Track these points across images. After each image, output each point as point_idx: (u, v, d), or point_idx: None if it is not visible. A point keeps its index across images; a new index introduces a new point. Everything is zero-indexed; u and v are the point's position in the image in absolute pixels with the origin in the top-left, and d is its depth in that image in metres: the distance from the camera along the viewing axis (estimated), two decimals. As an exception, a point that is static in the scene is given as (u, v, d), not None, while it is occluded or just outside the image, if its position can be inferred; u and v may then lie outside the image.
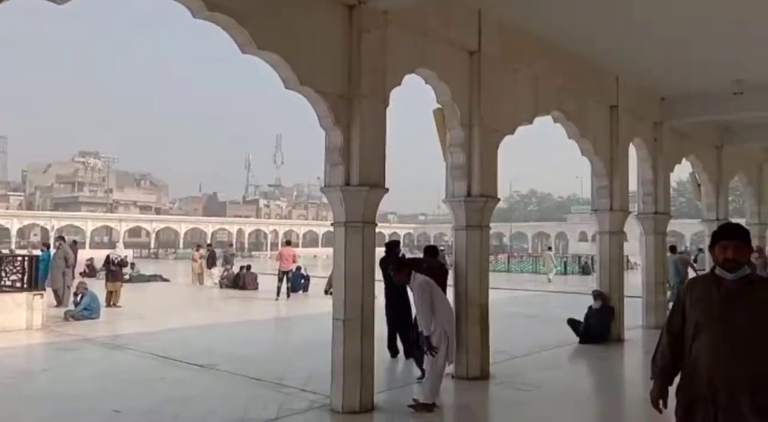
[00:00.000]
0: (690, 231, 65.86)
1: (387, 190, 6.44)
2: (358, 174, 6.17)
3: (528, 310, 15.95)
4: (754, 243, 19.05)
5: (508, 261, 37.10)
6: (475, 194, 7.65)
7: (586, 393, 7.73)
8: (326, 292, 17.06)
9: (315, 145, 6.57)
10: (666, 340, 3.35)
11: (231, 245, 39.08)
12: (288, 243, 20.00)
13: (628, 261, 31.06)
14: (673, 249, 17.34)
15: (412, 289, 6.50)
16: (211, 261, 23.89)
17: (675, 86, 11.48)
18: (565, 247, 79.62)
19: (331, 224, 6.49)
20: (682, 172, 16.13)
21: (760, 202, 18.57)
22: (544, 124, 9.93)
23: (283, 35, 5.76)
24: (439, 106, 7.75)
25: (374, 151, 6.34)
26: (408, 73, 6.88)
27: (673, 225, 69.84)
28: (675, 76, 10.87)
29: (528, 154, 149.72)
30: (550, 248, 39.14)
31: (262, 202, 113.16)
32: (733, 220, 17.42)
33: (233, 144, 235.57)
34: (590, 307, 10.78)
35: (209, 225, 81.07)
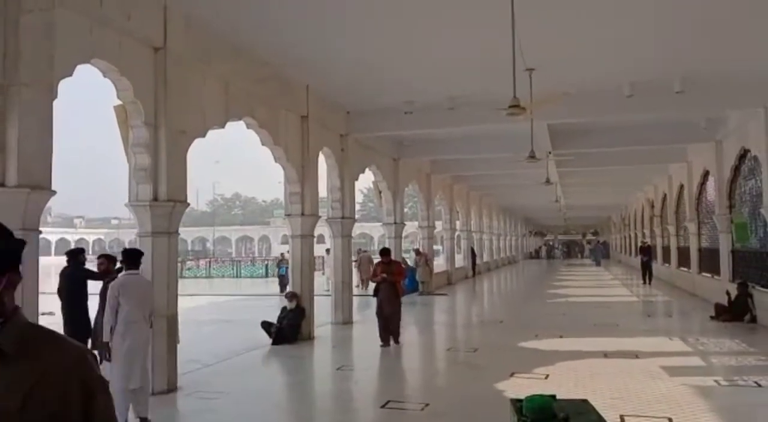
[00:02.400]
0: (377, 233, 72.87)
1: (54, 192, 5.72)
2: (17, 173, 5.36)
3: (225, 316, 15.81)
4: (423, 243, 21.95)
5: (210, 267, 36.41)
6: (162, 198, 7.27)
7: (276, 392, 7.92)
8: None
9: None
10: None
11: None
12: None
13: (323, 261, 33.16)
14: (363, 250, 20.52)
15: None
16: None
17: (358, 101, 12.57)
18: (268, 250, 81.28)
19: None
20: (369, 179, 17.77)
21: (428, 208, 21.44)
22: (246, 128, 9.98)
23: None
24: (121, 102, 7.18)
25: (38, 147, 5.58)
26: (82, 64, 6.21)
27: (363, 228, 75.91)
28: (359, 92, 11.90)
29: (232, 158, 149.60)
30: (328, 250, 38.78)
31: None
32: (409, 223, 19.68)
33: None
34: (284, 308, 11.14)
35: None
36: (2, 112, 5.38)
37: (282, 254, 27.06)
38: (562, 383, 7.24)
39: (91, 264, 8.40)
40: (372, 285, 11.32)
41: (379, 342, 10.28)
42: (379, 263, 10.69)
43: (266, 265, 35.50)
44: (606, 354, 9.25)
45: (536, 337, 10.89)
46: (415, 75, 10.67)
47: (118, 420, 4.94)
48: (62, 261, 8.49)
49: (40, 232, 5.79)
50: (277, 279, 23.60)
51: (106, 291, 7.00)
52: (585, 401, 3.84)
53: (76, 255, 8.35)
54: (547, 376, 7.80)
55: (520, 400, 3.72)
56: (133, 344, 5.96)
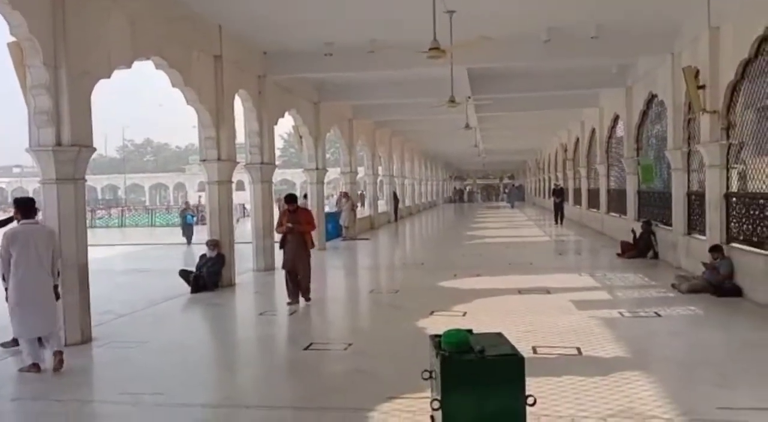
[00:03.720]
0: (299, 179, 72.10)
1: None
2: None
3: (140, 265, 15.38)
4: (345, 188, 21.96)
5: (122, 216, 35.07)
6: (66, 143, 6.84)
7: (196, 340, 7.83)
8: None
9: None
10: None
11: None
12: None
13: (245, 209, 32.64)
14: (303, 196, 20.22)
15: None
16: None
17: (276, 42, 12.12)
18: (184, 198, 78.91)
19: None
20: (289, 124, 17.42)
21: (350, 153, 21.34)
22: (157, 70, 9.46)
23: None
24: (15, 39, 6.61)
25: None
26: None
27: (285, 174, 74.99)
28: (276, 31, 11.45)
29: (142, 101, 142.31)
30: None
31: None
32: (332, 169, 19.57)
33: None
34: (202, 256, 10.92)
35: None
36: None
37: (186, 202, 25.96)
38: (479, 319, 7.54)
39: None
40: None
41: (286, 299, 9.17)
42: (284, 212, 9.38)
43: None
44: (520, 291, 9.69)
45: (455, 277, 11.25)
46: (335, 15, 10.37)
47: (27, 362, 4.91)
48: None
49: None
50: (180, 230, 21.71)
51: None
52: (499, 334, 4.02)
53: None
54: (465, 313, 8.11)
55: (438, 336, 3.84)
56: (30, 293, 5.92)
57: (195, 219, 22.21)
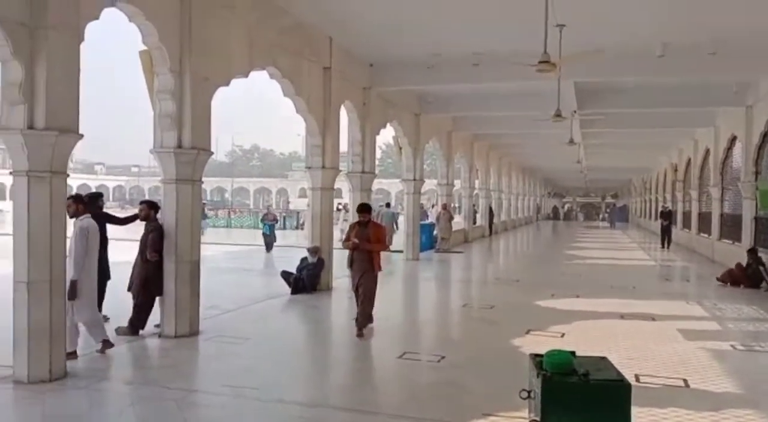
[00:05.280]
0: (395, 189, 72.80)
1: (81, 135, 5.76)
2: (45, 116, 5.41)
3: (245, 265, 16.06)
4: (442, 200, 21.94)
5: (229, 217, 36.78)
6: (187, 146, 7.32)
7: (294, 339, 8.10)
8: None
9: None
10: None
11: None
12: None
13: (346, 211, 33.36)
14: (388, 205, 21.41)
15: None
16: None
17: (383, 54, 12.38)
18: (285, 203, 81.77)
19: (10, 173, 5.61)
20: (389, 134, 17.68)
21: (448, 165, 21.33)
22: (269, 80, 9.92)
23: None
24: (146, 48, 7.15)
25: (65, 91, 5.60)
26: (108, 7, 6.17)
27: (381, 184, 76.20)
28: (383, 44, 11.71)
29: (252, 110, 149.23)
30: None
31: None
32: (428, 180, 19.71)
33: None
34: (303, 259, 11.27)
35: None
36: (30, 54, 5.38)
37: (268, 207, 25.87)
38: (578, 341, 7.29)
39: (110, 211, 8.49)
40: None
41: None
42: (353, 224, 8.13)
43: (284, 217, 35.77)
44: (622, 316, 9.28)
45: (552, 297, 10.94)
46: (441, 28, 10.45)
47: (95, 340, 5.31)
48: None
49: (68, 175, 5.87)
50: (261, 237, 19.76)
51: (147, 236, 7.26)
52: (604, 358, 3.88)
53: (95, 200, 8.41)
54: (563, 334, 7.87)
55: (539, 355, 3.77)
56: (95, 282, 6.54)
57: (273, 228, 19.88)
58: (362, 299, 7.80)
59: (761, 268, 12.38)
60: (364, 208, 8.02)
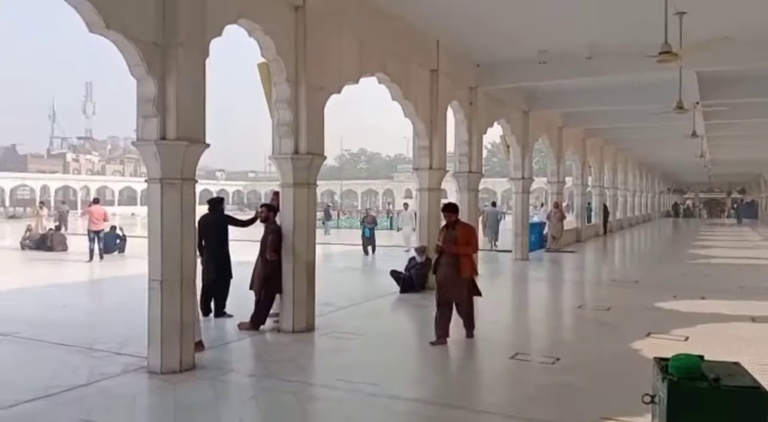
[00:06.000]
0: (501, 188, 71.53)
1: (207, 145, 6.19)
2: (176, 127, 5.85)
3: (355, 264, 16.46)
4: (552, 198, 21.33)
5: (338, 218, 37.81)
6: (302, 152, 7.65)
7: (406, 336, 8.23)
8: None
9: (132, 94, 6.08)
10: None
11: (63, 202, 37.11)
12: (96, 201, 18.11)
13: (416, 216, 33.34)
14: (494, 204, 22.45)
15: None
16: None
17: (489, 53, 12.25)
18: (392, 204, 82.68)
19: (145, 180, 6.12)
20: (494, 134, 17.43)
21: (558, 163, 20.72)
22: (375, 85, 10.14)
23: (83, -29, 5.20)
24: (264, 60, 7.55)
25: (193, 104, 6.04)
26: (230, 24, 6.59)
27: (486, 183, 75.64)
28: (490, 43, 11.59)
29: (358, 114, 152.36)
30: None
31: (70, 156, 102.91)
32: (536, 179, 19.16)
33: (36, 93, 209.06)
34: (411, 259, 11.42)
35: (7, 181, 70.68)
36: (162, 71, 5.85)
37: (367, 210, 25.48)
38: (704, 346, 6.83)
39: (230, 213, 9.05)
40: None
41: (432, 338, 7.23)
42: (443, 227, 7.43)
43: (391, 218, 36.22)
44: (754, 319, 8.63)
45: (674, 298, 10.36)
46: (550, 22, 10.18)
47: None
48: (205, 209, 9.13)
49: (196, 182, 6.32)
50: (361, 239, 18.97)
51: (266, 237, 7.78)
52: (737, 363, 3.65)
53: (218, 204, 9.01)
54: (687, 338, 7.44)
55: (665, 359, 3.61)
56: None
57: (372, 231, 19.01)
58: (460, 305, 7.31)
59: None
60: (449, 208, 7.34)
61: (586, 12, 9.59)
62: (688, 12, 8.42)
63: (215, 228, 8.59)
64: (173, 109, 5.86)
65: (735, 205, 57.12)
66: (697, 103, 14.32)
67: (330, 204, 48.21)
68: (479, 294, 7.46)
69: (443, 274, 7.16)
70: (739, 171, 46.10)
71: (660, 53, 7.02)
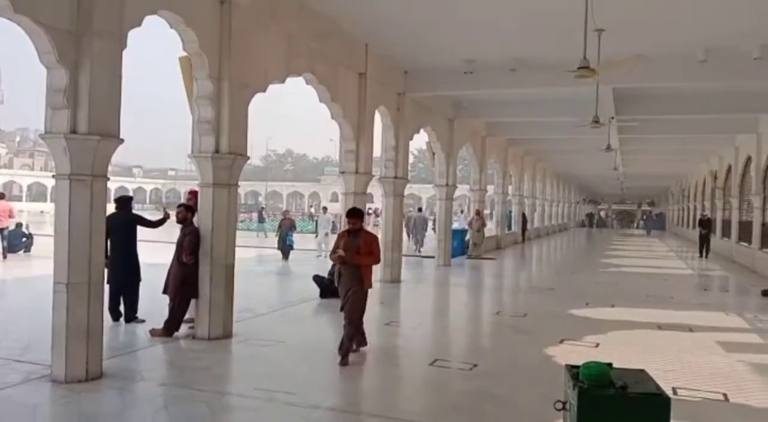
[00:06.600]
0: (426, 194, 72.63)
1: (122, 140, 5.89)
2: (88, 121, 5.53)
3: (275, 268, 16.19)
4: (474, 205, 21.77)
5: (253, 221, 37.07)
6: (224, 151, 7.41)
7: (326, 343, 8.06)
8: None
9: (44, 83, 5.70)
10: None
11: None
12: (1, 196, 17.03)
13: (377, 216, 33.42)
14: (419, 210, 22.72)
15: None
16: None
17: (418, 60, 12.38)
18: (318, 207, 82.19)
19: (53, 176, 5.76)
20: (421, 140, 17.64)
21: (481, 171, 21.19)
22: (302, 84, 10.01)
23: (-11, -50, 4.84)
24: (186, 54, 7.28)
25: (108, 97, 5.73)
26: (150, 14, 6.29)
27: (412, 189, 76.34)
28: (418, 50, 11.70)
29: (285, 115, 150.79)
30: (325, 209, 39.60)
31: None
32: (460, 186, 19.49)
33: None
34: (334, 264, 11.30)
35: None
36: (75, 61, 5.52)
37: (285, 212, 24.05)
38: (613, 352, 7.15)
39: (146, 213, 8.72)
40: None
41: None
42: (342, 233, 6.97)
43: (316, 221, 35.89)
44: (659, 326, 9.08)
45: (587, 305, 10.77)
46: (477, 34, 10.40)
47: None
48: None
49: (108, 179, 6.00)
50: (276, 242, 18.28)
51: (183, 239, 7.40)
52: (642, 371, 3.80)
53: (127, 202, 8.58)
54: (597, 345, 7.73)
55: (575, 366, 3.70)
56: None
57: (290, 235, 18.27)
58: (347, 321, 6.74)
59: None
60: (354, 214, 6.79)
61: (511, 26, 9.84)
62: (606, 30, 8.78)
63: (123, 227, 8.14)
64: (85, 100, 5.54)
65: (644, 217, 60.37)
66: (612, 117, 15.02)
67: (264, 206, 47.50)
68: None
69: (345, 285, 6.72)
70: (650, 184, 48.81)
71: (578, 68, 7.28)
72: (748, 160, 19.74)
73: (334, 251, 6.75)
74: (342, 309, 6.81)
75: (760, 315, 10.46)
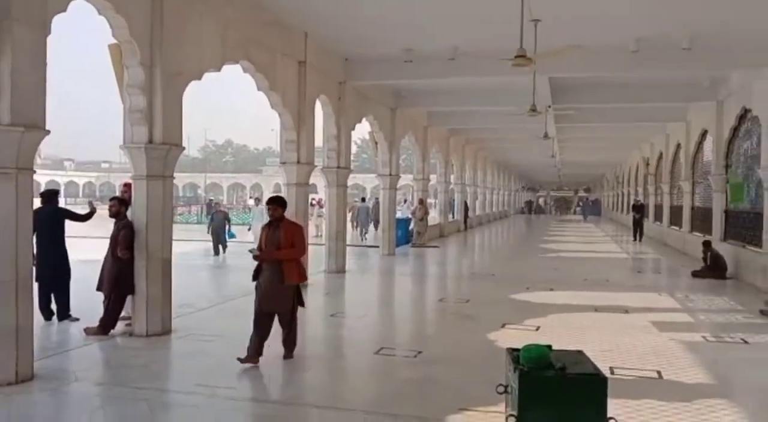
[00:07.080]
0: (370, 184, 72.68)
1: (48, 131, 5.60)
2: (10, 111, 5.23)
3: (218, 261, 15.87)
4: (417, 195, 21.92)
5: (201, 213, 36.32)
6: (157, 141, 7.17)
7: (270, 337, 7.95)
8: None
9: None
10: None
11: None
12: None
13: (320, 206, 33.25)
14: (363, 199, 21.57)
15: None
16: None
17: (358, 49, 12.29)
18: (253, 198, 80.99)
19: (-26, 169, 5.43)
20: (364, 130, 17.60)
21: (424, 160, 21.33)
22: (242, 74, 9.78)
23: None
24: (116, 41, 6.99)
25: (32, 86, 5.43)
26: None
27: (356, 178, 76.14)
28: (358, 39, 11.61)
29: (224, 104, 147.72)
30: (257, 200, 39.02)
31: None
32: (403, 175, 19.60)
33: None
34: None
35: None
36: (-6, 47, 5.21)
37: (211, 199, 21.76)
38: (553, 335, 7.34)
39: (79, 208, 8.37)
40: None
41: (241, 355, 6.17)
42: (265, 226, 6.44)
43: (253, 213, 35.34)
44: (596, 309, 9.38)
45: (527, 290, 11.02)
46: (416, 22, 10.39)
47: None
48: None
49: (34, 172, 5.72)
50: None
51: (117, 233, 7.12)
52: (580, 352, 3.90)
53: (53, 196, 8.22)
54: (538, 328, 7.92)
55: (516, 350, 3.76)
56: None
57: (229, 229, 17.05)
58: (282, 320, 6.37)
59: (709, 255, 13.21)
60: (274, 201, 6.31)
61: (448, 15, 9.87)
62: (542, 20, 8.93)
63: (50, 222, 7.76)
64: (7, 90, 5.24)
65: (581, 203, 62.30)
66: (549, 106, 15.37)
67: (213, 198, 46.29)
68: (302, 304, 6.53)
69: (266, 282, 6.25)
70: (586, 171, 50.33)
71: (515, 57, 7.38)
72: (678, 147, 20.58)
73: (259, 247, 6.36)
74: (258, 306, 6.33)
75: (691, 295, 10.95)
